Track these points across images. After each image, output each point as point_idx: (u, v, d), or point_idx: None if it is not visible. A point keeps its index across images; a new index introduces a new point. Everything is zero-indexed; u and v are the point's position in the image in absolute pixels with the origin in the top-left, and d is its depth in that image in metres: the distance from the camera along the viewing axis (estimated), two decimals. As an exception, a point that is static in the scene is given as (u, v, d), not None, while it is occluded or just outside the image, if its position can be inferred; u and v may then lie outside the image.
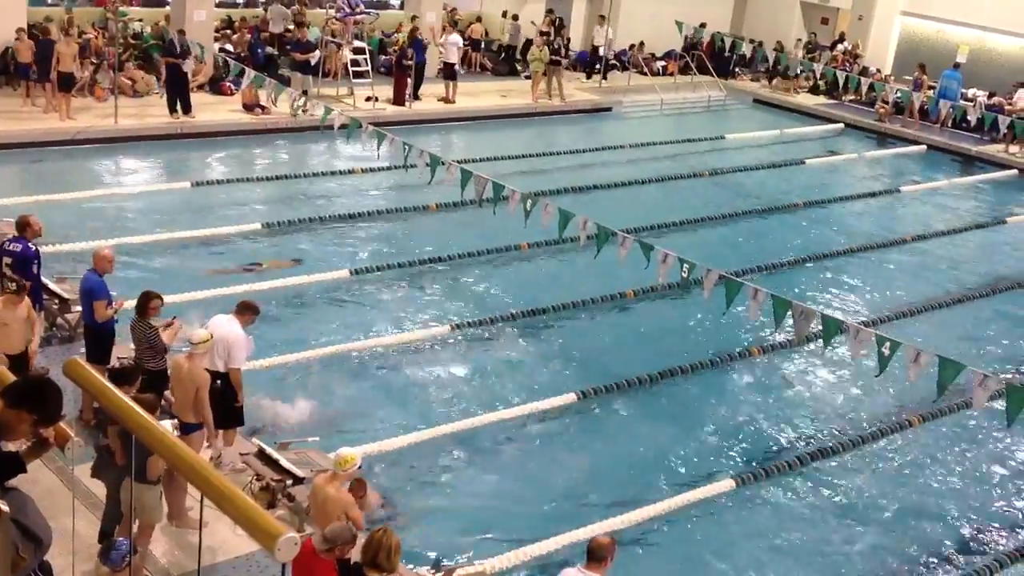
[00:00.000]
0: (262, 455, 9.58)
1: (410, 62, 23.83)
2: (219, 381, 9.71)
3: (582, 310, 14.83)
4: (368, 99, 23.63)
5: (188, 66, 21.06)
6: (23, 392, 5.11)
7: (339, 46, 24.27)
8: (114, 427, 7.92)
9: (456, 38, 25.77)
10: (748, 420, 12.49)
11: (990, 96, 28.08)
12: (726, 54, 31.10)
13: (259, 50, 24.63)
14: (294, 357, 12.31)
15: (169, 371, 9.65)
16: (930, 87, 27.90)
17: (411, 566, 8.67)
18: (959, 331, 15.62)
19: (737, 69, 32.37)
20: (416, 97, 24.52)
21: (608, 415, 12.26)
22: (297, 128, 21.49)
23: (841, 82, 28.61)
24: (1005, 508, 11.29)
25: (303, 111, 21.11)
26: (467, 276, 15.69)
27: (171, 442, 5.21)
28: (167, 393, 9.65)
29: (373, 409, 11.81)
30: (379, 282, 15.07)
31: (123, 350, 10.65)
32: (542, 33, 27.04)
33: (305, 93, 21.28)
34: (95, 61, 22.19)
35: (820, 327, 11.46)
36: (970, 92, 28.34)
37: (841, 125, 28.31)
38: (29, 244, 11.00)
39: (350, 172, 20.06)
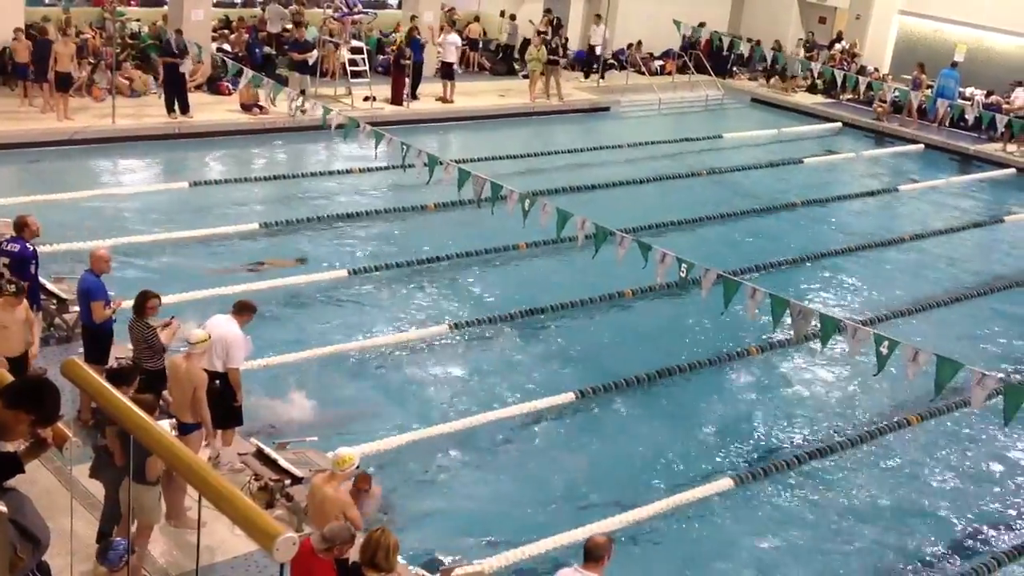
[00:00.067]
0: (260, 455, 9.58)
1: (408, 62, 23.82)
2: (218, 381, 9.70)
3: (580, 310, 14.83)
4: (366, 99, 23.62)
5: (186, 66, 21.05)
6: (21, 392, 5.10)
7: (337, 46, 24.26)
8: (112, 427, 7.91)
9: (454, 38, 25.77)
10: (746, 419, 12.49)
11: (988, 95, 28.08)
12: (724, 53, 31.12)
13: (257, 50, 24.61)
14: (292, 357, 12.31)
15: (167, 371, 9.64)
16: (928, 86, 27.91)
17: (409, 566, 8.66)
18: (957, 330, 15.64)
19: (735, 68, 32.38)
20: (414, 97, 24.51)
21: (606, 414, 12.26)
22: (295, 128, 21.48)
23: (839, 81, 28.59)
24: (1003, 506, 11.30)
25: (301, 111, 21.08)
26: (465, 276, 15.68)
27: (169, 442, 5.21)
28: (165, 393, 9.64)
29: (371, 409, 11.82)
30: (377, 282, 15.07)
31: (121, 350, 10.64)
32: (540, 33, 27.03)
33: (303, 93, 21.25)
34: (92, 61, 22.18)
35: (818, 326, 11.46)
36: (968, 91, 28.35)
37: (839, 124, 28.32)
38: (27, 244, 10.98)
39: (348, 172, 20.06)
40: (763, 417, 12.59)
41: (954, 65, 27.98)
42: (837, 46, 31.75)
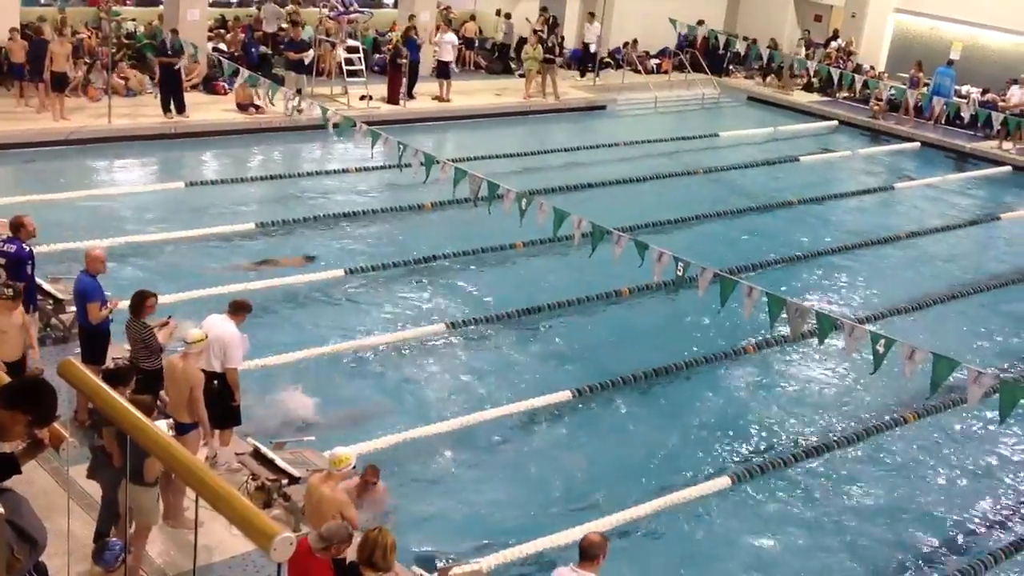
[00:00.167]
0: (258, 455, 9.57)
1: (404, 61, 23.80)
2: (216, 381, 9.71)
3: (577, 308, 14.84)
4: (362, 98, 23.61)
5: (182, 62, 21.03)
6: (18, 392, 5.10)
7: (333, 45, 24.25)
8: (110, 428, 7.91)
9: (451, 37, 25.75)
10: (744, 417, 12.50)
11: (983, 93, 28.12)
12: (720, 52, 31.13)
13: (253, 49, 24.58)
14: (289, 357, 12.30)
15: (164, 371, 9.63)
16: (925, 84, 27.94)
17: (407, 565, 8.66)
18: (953, 327, 15.66)
19: (731, 67, 32.39)
20: (410, 96, 24.50)
21: (604, 413, 12.27)
22: (291, 127, 21.47)
23: (835, 79, 28.62)
24: (999, 504, 11.32)
25: (297, 111, 21.07)
26: (462, 275, 15.68)
27: (166, 443, 5.21)
28: (162, 393, 9.63)
29: (369, 408, 11.81)
30: (374, 281, 15.07)
31: (118, 350, 10.64)
32: (536, 31, 27.03)
33: (299, 92, 21.25)
34: (88, 61, 22.16)
35: (815, 324, 11.47)
36: (963, 89, 28.38)
37: (835, 122, 28.35)
38: (23, 245, 10.96)
39: (344, 171, 20.05)
40: (760, 415, 12.60)
41: (950, 63, 28.01)
42: (833, 44, 31.77)
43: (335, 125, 17.03)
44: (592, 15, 29.76)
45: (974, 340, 15.24)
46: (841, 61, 30.50)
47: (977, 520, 10.95)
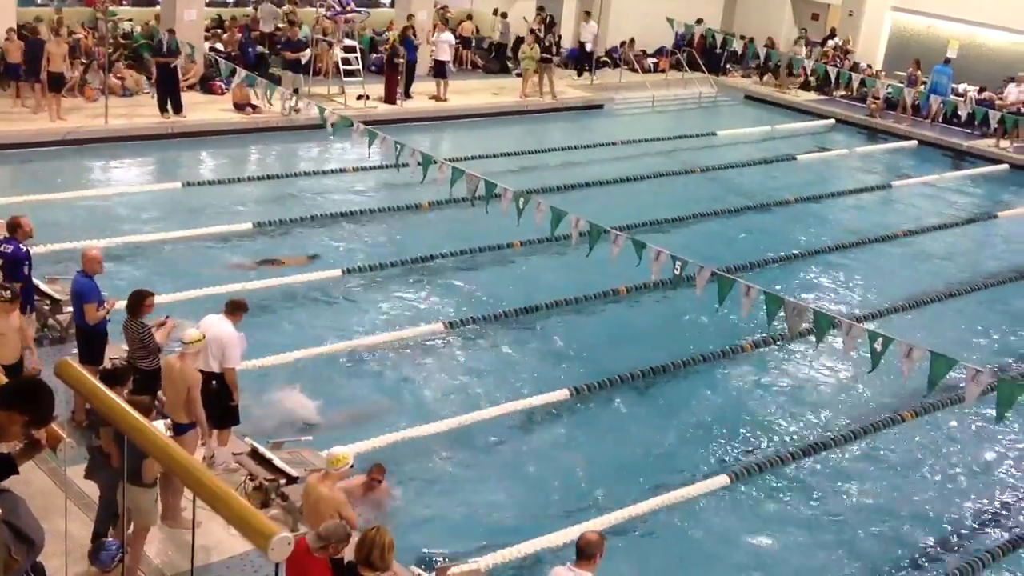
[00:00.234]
0: (255, 455, 9.57)
1: (401, 60, 23.81)
2: (214, 382, 9.70)
3: (575, 307, 14.84)
4: (359, 98, 23.61)
5: (179, 61, 21.02)
6: (15, 393, 5.10)
7: (330, 45, 24.24)
8: (107, 428, 7.90)
9: (448, 36, 25.75)
10: (741, 416, 12.51)
11: (980, 91, 28.14)
12: (717, 51, 31.13)
13: (250, 49, 24.58)
14: (287, 357, 12.29)
15: (161, 371, 9.62)
16: (922, 82, 27.95)
17: (405, 565, 8.66)
18: (951, 325, 15.67)
19: (728, 66, 32.40)
20: (407, 95, 24.50)
21: (602, 411, 12.27)
22: (288, 127, 21.46)
23: (832, 78, 28.62)
24: (997, 502, 11.33)
25: (295, 110, 21.07)
26: (460, 274, 15.68)
27: (163, 443, 5.21)
28: (159, 393, 9.62)
29: (366, 408, 11.80)
30: (372, 281, 15.07)
31: (116, 351, 10.63)
32: (532, 31, 27.03)
33: (296, 92, 21.25)
34: (85, 61, 22.15)
35: (812, 323, 11.47)
36: (961, 87, 28.39)
37: (832, 121, 28.36)
38: (20, 245, 10.96)
39: (342, 171, 20.05)
40: (758, 414, 12.61)
41: (947, 61, 28.02)
42: (830, 43, 31.78)
43: (332, 125, 17.02)
44: (588, 14, 29.76)
45: (972, 338, 15.25)
46: (838, 60, 30.51)
47: (975, 518, 10.96)
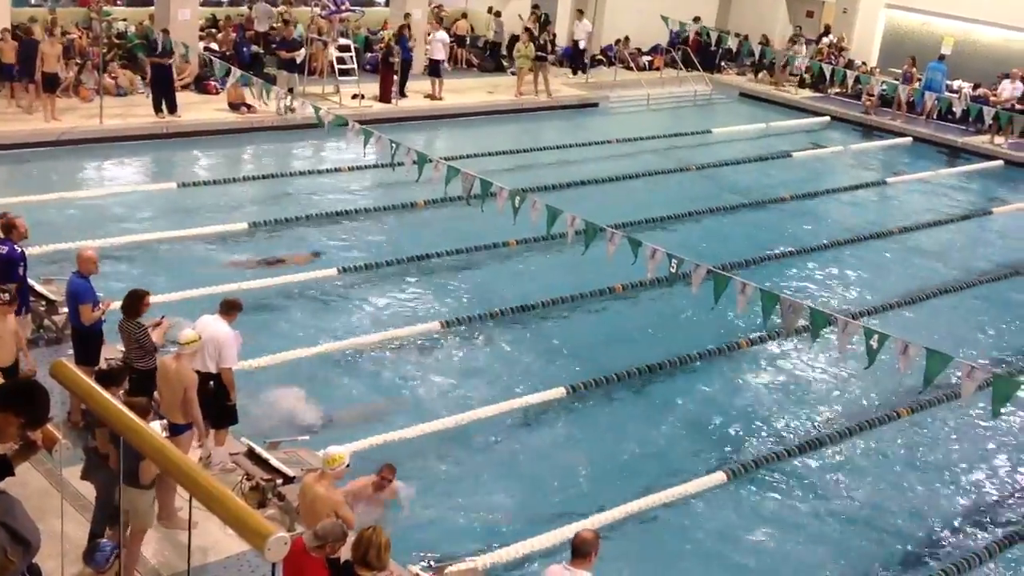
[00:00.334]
0: (252, 454, 9.56)
1: (395, 59, 23.79)
2: (212, 382, 9.69)
3: (571, 305, 14.84)
4: (354, 97, 23.59)
5: (172, 60, 21.00)
6: (10, 394, 5.09)
7: (325, 44, 24.22)
8: (103, 429, 7.89)
9: (442, 35, 25.73)
10: (738, 413, 12.52)
11: (975, 87, 28.16)
12: (712, 48, 31.13)
13: (244, 49, 24.56)
14: (283, 356, 12.28)
15: (157, 372, 9.61)
16: (918, 79, 27.98)
17: (402, 564, 8.66)
18: (946, 322, 15.69)
19: (723, 63, 32.41)
20: (402, 94, 24.49)
21: (598, 410, 12.27)
22: (283, 127, 21.44)
23: (827, 75, 28.62)
24: (993, 497, 11.35)
25: (290, 110, 21.07)
26: (456, 273, 15.67)
27: (160, 444, 5.20)
28: (155, 394, 9.61)
29: (363, 407, 11.80)
30: (367, 280, 15.06)
31: (112, 351, 10.62)
32: (527, 29, 27.02)
33: (291, 91, 21.23)
34: (79, 61, 22.11)
35: (808, 320, 11.49)
36: (955, 84, 28.42)
37: (827, 118, 28.38)
38: (15, 246, 10.94)
39: (337, 170, 20.03)
40: (755, 411, 12.62)
41: (941, 58, 28.04)
42: (824, 40, 31.80)
43: (327, 124, 17.00)
44: (581, 12, 29.75)
45: (967, 334, 15.27)
46: (833, 57, 30.52)
47: (972, 514, 10.97)
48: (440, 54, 25.07)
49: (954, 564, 9.92)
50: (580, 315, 14.74)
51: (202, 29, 25.02)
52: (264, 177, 19.34)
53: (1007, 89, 26.73)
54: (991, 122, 25.41)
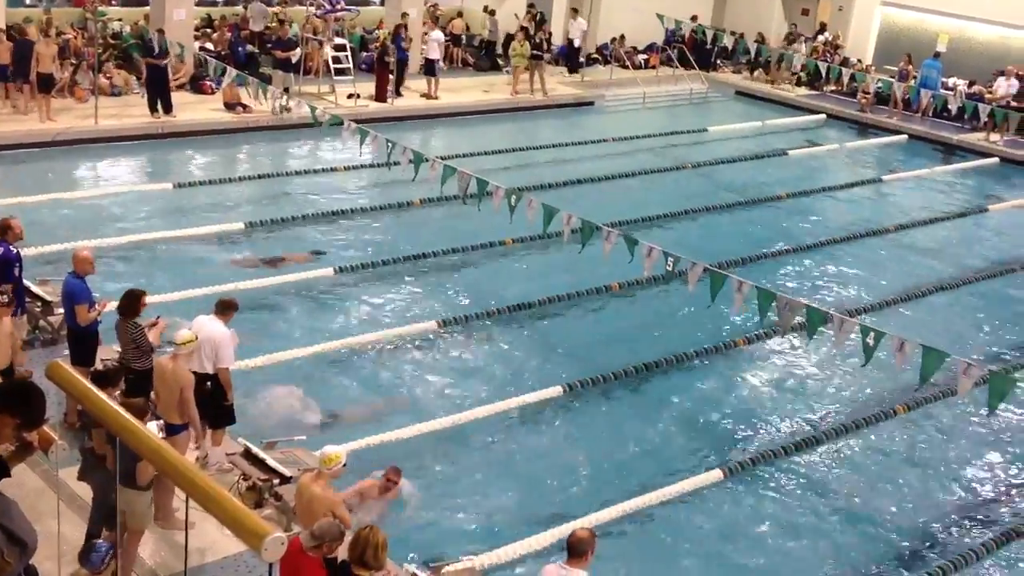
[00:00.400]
0: (248, 455, 9.56)
1: (391, 58, 23.77)
2: (208, 383, 9.68)
3: (568, 304, 14.85)
4: (350, 96, 23.58)
5: (168, 60, 20.98)
6: (6, 396, 5.09)
7: (320, 43, 24.20)
8: (100, 430, 7.89)
9: (438, 34, 25.71)
10: (735, 410, 12.53)
11: (970, 85, 28.20)
12: (708, 47, 31.14)
13: (240, 48, 24.52)
14: (279, 356, 12.27)
15: (154, 372, 9.60)
16: (913, 77, 28.00)
17: (399, 563, 8.66)
18: (943, 319, 15.72)
19: (719, 61, 32.42)
20: (398, 93, 24.47)
21: (595, 408, 12.28)
22: (279, 126, 21.42)
23: (823, 73, 28.63)
24: (989, 493, 11.37)
25: (285, 109, 21.04)
26: (452, 272, 15.68)
27: (156, 445, 5.20)
28: (151, 394, 9.60)
29: (360, 406, 11.80)
30: (364, 280, 15.05)
31: (108, 352, 10.61)
32: (522, 28, 27.02)
33: (287, 91, 21.21)
34: (75, 62, 22.08)
35: (805, 318, 11.50)
36: (950, 81, 28.45)
37: (823, 116, 28.40)
38: (10, 247, 10.91)
39: (333, 170, 20.02)
40: (752, 408, 12.63)
41: (936, 55, 28.07)
42: (820, 38, 31.82)
43: (323, 123, 16.99)
44: (575, 11, 29.73)
45: (963, 331, 15.30)
46: (828, 55, 30.54)
47: (969, 511, 10.99)
48: (435, 53, 25.06)
49: (951, 561, 9.93)
50: (577, 314, 14.75)
51: (197, 29, 24.99)
52: (260, 177, 19.32)
53: (1002, 86, 26.75)
54: (986, 119, 25.43)
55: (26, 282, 11.60)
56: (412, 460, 10.71)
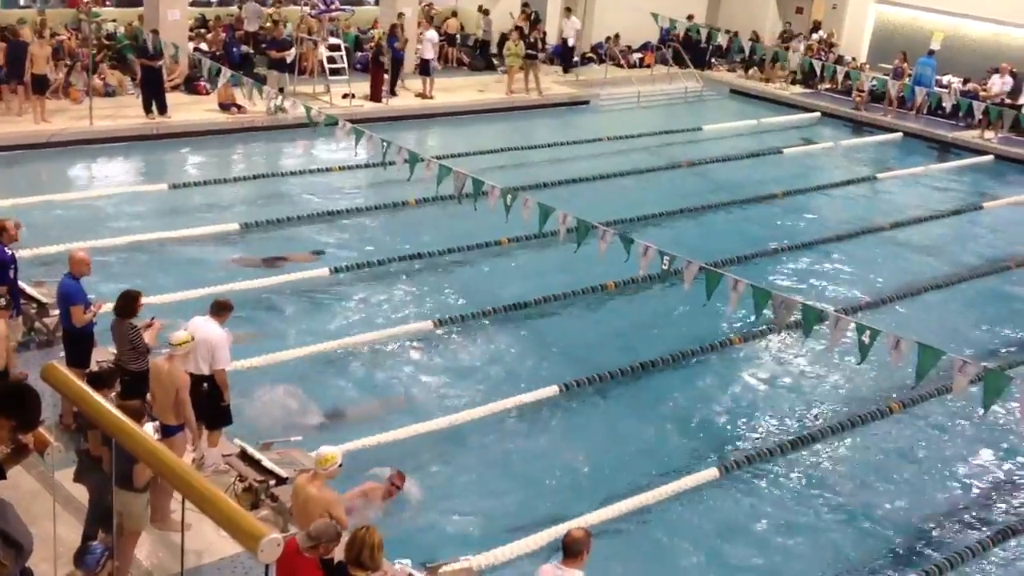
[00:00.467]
0: (244, 456, 9.55)
1: (385, 58, 23.75)
2: (205, 384, 9.67)
3: (563, 303, 14.86)
4: (345, 96, 23.57)
5: (163, 60, 20.97)
6: (1, 398, 5.08)
7: (315, 43, 24.18)
8: (95, 431, 7.87)
9: (432, 34, 25.70)
10: (731, 409, 12.54)
11: (965, 82, 28.24)
12: (702, 45, 31.15)
13: (234, 49, 24.51)
14: (276, 357, 12.27)
15: (150, 373, 9.59)
16: (908, 75, 28.03)
17: (396, 563, 8.65)
18: (938, 316, 15.74)
19: (713, 60, 32.43)
20: (393, 93, 24.46)
21: (591, 407, 12.28)
22: (274, 127, 21.41)
23: (817, 71, 28.65)
24: (984, 491, 11.38)
25: (281, 110, 21.01)
26: (448, 272, 15.68)
27: (152, 446, 5.20)
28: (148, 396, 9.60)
29: (356, 407, 11.80)
30: (359, 280, 15.05)
31: (103, 353, 10.59)
32: (517, 27, 27.02)
33: (281, 91, 21.19)
34: (69, 63, 22.05)
35: (800, 316, 11.51)
36: (945, 79, 28.49)
37: (818, 114, 28.42)
38: (5, 248, 10.90)
39: (328, 170, 20.01)
40: (747, 407, 12.64)
41: (931, 53, 28.09)
42: (814, 36, 31.85)
43: (318, 123, 16.98)
44: (569, 10, 29.74)
45: (959, 329, 15.30)
46: (823, 53, 30.56)
47: (965, 509, 11.01)
48: (430, 53, 25.04)
49: (948, 559, 9.95)
50: (573, 313, 14.75)
51: (191, 29, 24.96)
52: (255, 177, 19.31)
53: (996, 84, 26.78)
54: (981, 117, 25.45)
55: (21, 284, 11.58)
56: (409, 460, 10.70)
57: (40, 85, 19.87)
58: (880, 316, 14.96)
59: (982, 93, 26.89)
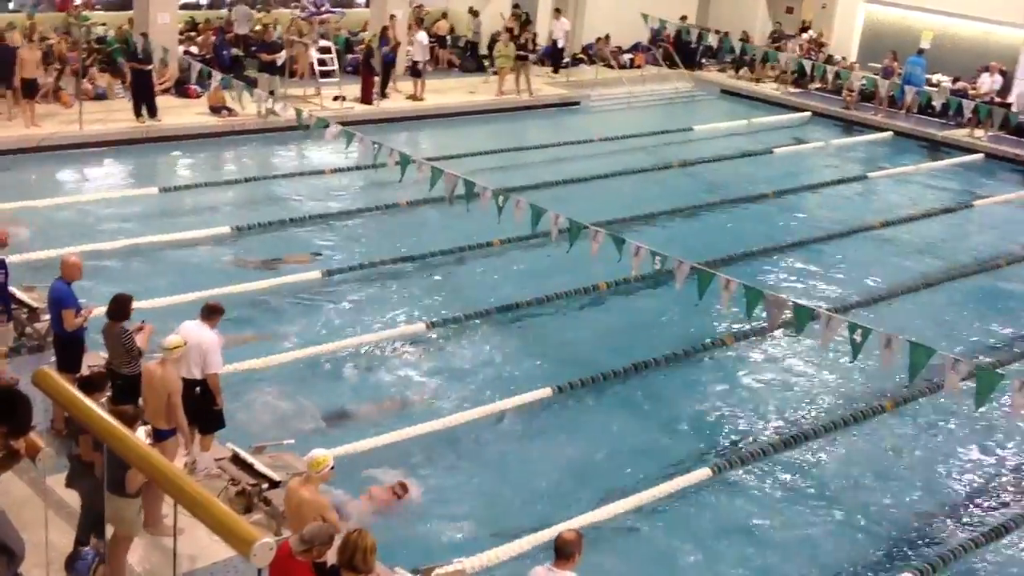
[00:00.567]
0: (237, 459, 9.52)
1: (376, 60, 23.73)
2: (198, 388, 9.64)
3: (556, 304, 14.86)
4: (336, 98, 23.55)
5: (154, 64, 20.93)
6: (-8, 404, 5.06)
7: (305, 46, 24.15)
8: (87, 437, 7.84)
9: (422, 36, 25.68)
10: (724, 409, 12.55)
11: (954, 81, 28.31)
12: (692, 46, 31.19)
13: (224, 52, 24.47)
14: (268, 360, 12.25)
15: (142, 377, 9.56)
16: (898, 74, 28.10)
17: (388, 566, 8.64)
18: (930, 315, 15.76)
19: (703, 60, 32.47)
20: (384, 95, 24.44)
21: (585, 408, 12.28)
22: (264, 129, 21.37)
23: (808, 71, 28.70)
24: (977, 490, 11.41)
25: (271, 112, 20.98)
26: (441, 273, 15.67)
27: (144, 451, 5.19)
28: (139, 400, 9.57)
29: (349, 410, 11.78)
30: (352, 282, 15.03)
31: (94, 358, 10.56)
32: (508, 29, 27.02)
33: (272, 94, 21.16)
34: (59, 67, 21.98)
35: (792, 315, 11.52)
36: (934, 77, 28.55)
37: (808, 114, 28.47)
38: (-5, 254, 10.88)
39: (319, 172, 19.99)
40: (740, 406, 12.65)
41: (920, 52, 28.16)
42: (804, 35, 31.90)
43: (309, 126, 16.96)
44: (558, 11, 29.74)
45: (951, 327, 15.34)
46: (813, 52, 30.61)
47: (956, 507, 11.04)
48: (420, 55, 25.02)
49: (940, 556, 9.96)
50: (565, 314, 14.75)
51: (181, 33, 24.91)
52: (247, 180, 19.27)
53: (986, 82, 26.87)
54: (971, 115, 25.51)
55: (12, 288, 11.54)
56: (402, 462, 10.71)
57: (30, 89, 19.81)
58: (872, 314, 14.98)
59: (972, 92, 26.96)
